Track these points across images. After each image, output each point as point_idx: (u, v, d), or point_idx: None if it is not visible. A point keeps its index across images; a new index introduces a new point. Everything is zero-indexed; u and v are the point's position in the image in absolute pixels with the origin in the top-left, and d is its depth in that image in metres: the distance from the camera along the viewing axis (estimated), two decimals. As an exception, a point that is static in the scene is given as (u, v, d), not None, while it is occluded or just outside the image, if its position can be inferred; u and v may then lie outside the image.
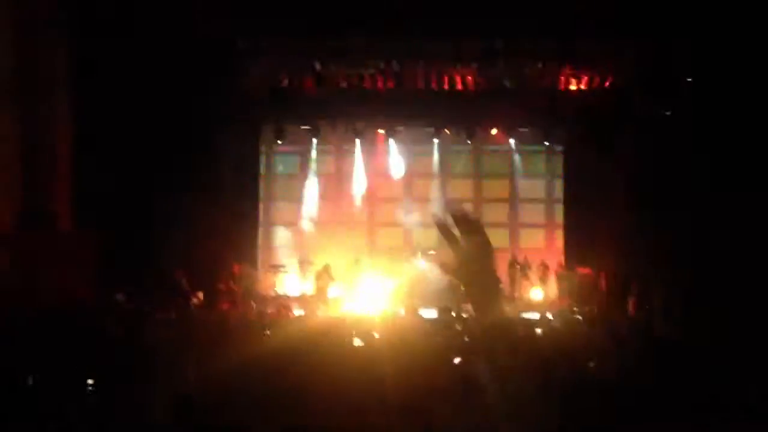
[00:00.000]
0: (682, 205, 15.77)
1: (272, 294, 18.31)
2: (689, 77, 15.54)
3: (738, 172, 15.10)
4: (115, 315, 10.91)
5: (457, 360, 6.04)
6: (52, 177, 14.75)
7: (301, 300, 17.43)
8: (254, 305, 16.22)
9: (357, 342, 9.67)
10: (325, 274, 17.72)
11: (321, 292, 17.54)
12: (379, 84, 18.16)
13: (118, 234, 15.20)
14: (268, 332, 10.26)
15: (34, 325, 8.07)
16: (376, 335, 9.59)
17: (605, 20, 15.75)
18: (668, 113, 15.91)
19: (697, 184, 15.69)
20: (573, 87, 18.01)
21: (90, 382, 5.18)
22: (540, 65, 17.87)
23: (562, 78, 18.02)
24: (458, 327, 12.19)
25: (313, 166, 20.37)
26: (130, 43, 15.14)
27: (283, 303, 15.09)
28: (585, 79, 17.90)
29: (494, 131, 19.71)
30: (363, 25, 16.38)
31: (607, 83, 17.78)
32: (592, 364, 6.30)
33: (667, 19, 15.45)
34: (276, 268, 19.27)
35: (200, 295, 16.19)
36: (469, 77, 18.07)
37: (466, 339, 9.53)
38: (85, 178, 15.27)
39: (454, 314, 16.29)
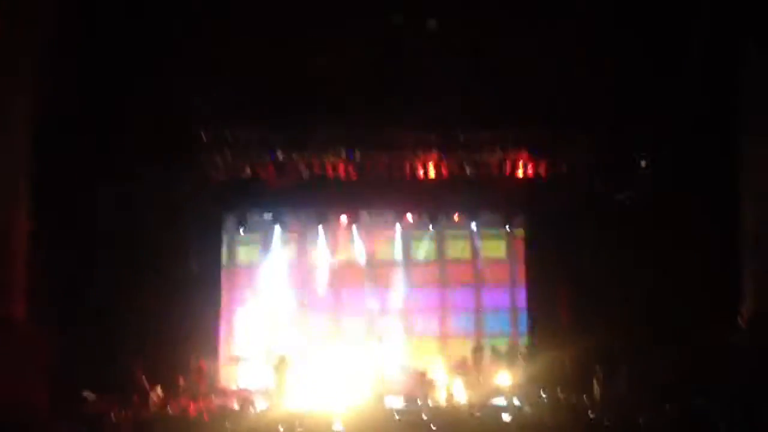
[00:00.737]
0: (644, 286, 15.98)
1: (234, 387, 17.90)
2: (648, 164, 15.95)
3: (697, 251, 15.42)
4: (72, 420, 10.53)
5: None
6: (7, 272, 14.40)
7: (264, 393, 17.05)
8: (215, 399, 15.87)
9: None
10: (282, 366, 17.40)
11: (280, 384, 17.17)
12: (341, 172, 18.33)
13: (73, 329, 14.86)
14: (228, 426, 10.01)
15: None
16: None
17: (561, 109, 16.25)
18: (627, 199, 16.26)
19: (657, 266, 15.96)
20: (531, 174, 18.32)
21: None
22: (499, 153, 18.22)
23: (521, 165, 18.36)
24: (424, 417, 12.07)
25: (275, 254, 20.29)
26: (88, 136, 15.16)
27: (245, 396, 14.77)
28: (543, 165, 18.26)
29: (456, 217, 19.88)
30: (324, 115, 16.67)
31: (566, 169, 18.15)
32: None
33: (625, 108, 15.98)
34: (238, 359, 18.90)
35: (159, 390, 15.74)
36: (431, 164, 18.32)
37: (433, 428, 9.42)
38: (39, 271, 14.99)
39: (420, 402, 16.25)
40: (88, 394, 13.52)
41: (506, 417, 11.12)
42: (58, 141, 14.91)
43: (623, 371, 15.62)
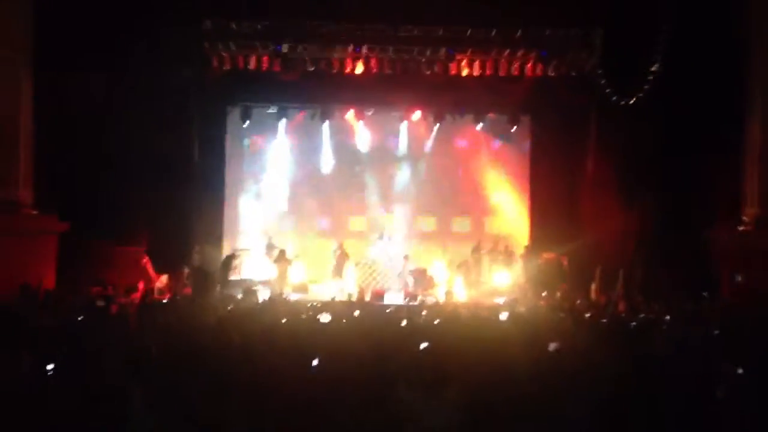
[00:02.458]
0: (645, 190, 16.01)
1: (237, 277, 18.24)
2: (656, 66, 15.71)
3: (701, 159, 15.39)
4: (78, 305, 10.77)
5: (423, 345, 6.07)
6: (13, 158, 14.45)
7: (266, 283, 17.41)
8: (219, 288, 16.19)
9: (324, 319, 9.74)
10: (282, 259, 17.71)
11: (282, 276, 17.53)
12: (348, 68, 18.07)
13: (82, 218, 15.03)
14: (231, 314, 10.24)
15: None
16: (344, 321, 9.63)
17: (570, 9, 15.90)
18: (633, 101, 16.09)
19: (661, 171, 15.95)
20: (540, 73, 18.07)
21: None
22: (507, 53, 17.93)
23: (530, 65, 18.10)
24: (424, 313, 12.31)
25: (279, 148, 20.31)
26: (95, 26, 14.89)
27: (248, 286, 15.06)
28: (552, 66, 18.00)
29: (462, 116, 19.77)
30: (332, 8, 16.32)
31: (574, 71, 17.90)
32: (554, 346, 6.38)
33: (634, 8, 15.62)
34: (241, 251, 19.19)
35: (164, 278, 16.07)
36: (438, 63, 18.05)
37: (435, 322, 9.64)
38: (46, 159, 15.03)
39: (419, 299, 16.58)
40: (96, 281, 13.80)
41: (503, 316, 11.34)
42: (59, 28, 14.67)
43: (621, 275, 15.85)
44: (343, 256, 18.36)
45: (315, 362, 5.48)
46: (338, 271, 18.23)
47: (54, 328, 7.19)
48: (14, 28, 14.35)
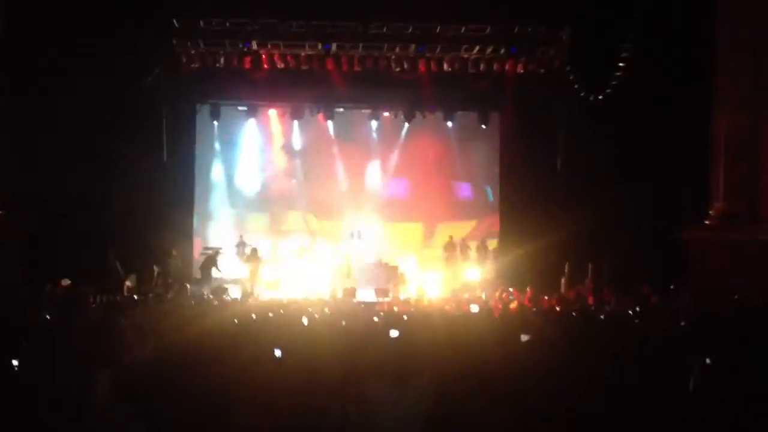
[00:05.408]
0: (615, 186, 16.17)
1: (208, 276, 18.10)
2: (624, 62, 15.88)
3: (670, 154, 15.57)
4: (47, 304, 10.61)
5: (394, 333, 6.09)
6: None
7: (238, 282, 17.33)
8: (189, 288, 16.05)
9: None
10: (254, 257, 17.64)
11: (253, 275, 17.46)
12: (317, 66, 18.03)
13: (49, 217, 14.85)
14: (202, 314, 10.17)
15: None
16: (316, 315, 9.61)
17: (541, 7, 16.02)
18: (602, 97, 16.25)
19: (630, 167, 16.11)
20: (509, 70, 18.17)
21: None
22: (477, 49, 18.02)
23: (499, 62, 18.20)
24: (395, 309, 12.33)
25: (249, 146, 20.22)
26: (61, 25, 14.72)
27: (219, 286, 14.96)
28: (521, 62, 18.11)
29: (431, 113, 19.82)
30: (301, 6, 16.29)
31: (542, 68, 18.05)
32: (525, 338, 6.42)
33: (603, 6, 15.78)
34: (212, 250, 19.06)
35: (133, 278, 15.91)
36: (408, 61, 18.08)
37: (404, 318, 9.64)
38: (16, 159, 14.84)
39: (390, 295, 16.59)
40: (63, 281, 13.61)
41: (474, 309, 11.42)
42: (26, 28, 14.49)
43: (590, 269, 16.01)
44: (313, 254, 18.35)
45: (279, 354, 5.46)
46: (309, 268, 18.18)
47: (19, 327, 7.08)
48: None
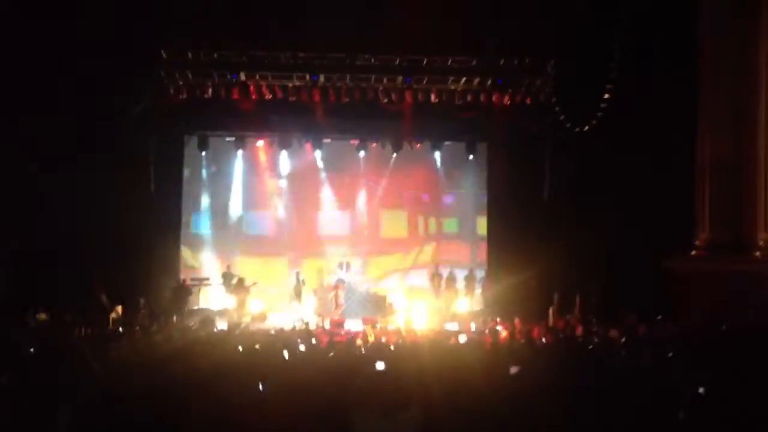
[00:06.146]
0: (601, 216, 16.23)
1: (195, 308, 18.00)
2: (609, 93, 16.04)
3: (655, 185, 15.68)
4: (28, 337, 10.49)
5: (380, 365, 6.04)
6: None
7: (224, 313, 17.20)
8: (176, 319, 15.95)
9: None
10: (240, 287, 17.54)
11: (240, 305, 17.36)
12: (304, 97, 18.12)
13: (34, 247, 14.76)
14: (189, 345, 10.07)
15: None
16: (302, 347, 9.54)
17: (527, 40, 16.21)
18: (588, 128, 16.39)
19: (616, 197, 16.20)
20: (496, 102, 18.32)
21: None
22: (463, 81, 18.18)
23: (486, 93, 18.35)
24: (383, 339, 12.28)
25: (238, 177, 20.19)
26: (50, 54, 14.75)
27: (206, 316, 14.85)
28: (507, 95, 18.27)
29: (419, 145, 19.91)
30: (289, 37, 16.40)
31: (528, 99, 18.21)
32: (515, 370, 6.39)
33: (587, 39, 15.97)
34: (198, 281, 18.96)
35: (119, 309, 15.77)
36: (395, 92, 18.21)
37: (391, 348, 9.59)
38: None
39: (378, 326, 16.51)
40: (44, 312, 13.49)
41: (462, 338, 11.38)
42: (18, 48, 14.51)
43: (578, 299, 16.02)
44: (300, 284, 18.27)
45: (262, 388, 5.41)
46: (297, 298, 18.12)
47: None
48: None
